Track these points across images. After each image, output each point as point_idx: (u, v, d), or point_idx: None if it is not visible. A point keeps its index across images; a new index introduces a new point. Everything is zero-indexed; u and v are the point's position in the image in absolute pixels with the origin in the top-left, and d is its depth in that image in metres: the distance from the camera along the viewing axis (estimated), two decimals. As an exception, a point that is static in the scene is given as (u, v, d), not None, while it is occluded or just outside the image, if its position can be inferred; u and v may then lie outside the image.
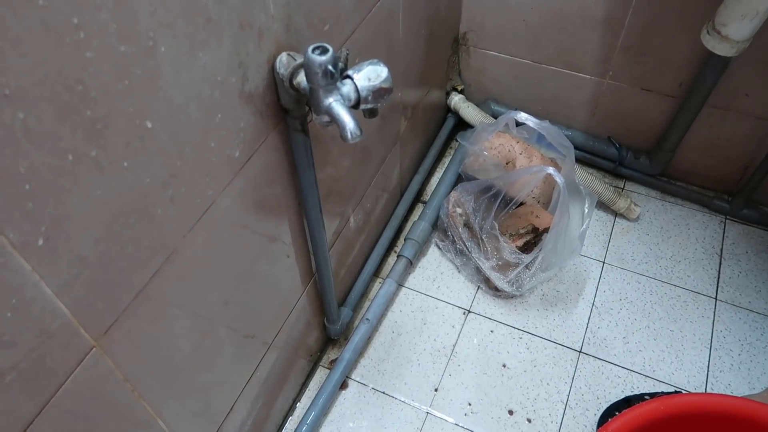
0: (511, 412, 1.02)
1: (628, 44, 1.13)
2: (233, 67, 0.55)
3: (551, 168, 1.02)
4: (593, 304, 1.15)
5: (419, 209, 1.29)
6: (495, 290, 1.15)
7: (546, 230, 1.08)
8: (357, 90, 0.57)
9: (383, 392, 1.04)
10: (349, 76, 0.57)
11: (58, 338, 0.45)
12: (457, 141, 1.37)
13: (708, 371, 1.06)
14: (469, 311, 1.14)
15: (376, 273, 1.19)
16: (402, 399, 1.03)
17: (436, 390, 1.04)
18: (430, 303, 1.15)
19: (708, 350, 1.08)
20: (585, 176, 1.25)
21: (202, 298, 0.64)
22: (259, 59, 0.58)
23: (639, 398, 0.97)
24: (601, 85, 1.23)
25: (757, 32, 0.93)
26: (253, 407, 0.86)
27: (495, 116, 1.35)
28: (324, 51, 0.53)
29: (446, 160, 1.39)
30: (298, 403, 1.03)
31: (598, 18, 1.12)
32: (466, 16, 1.25)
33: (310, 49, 0.53)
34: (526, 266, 1.08)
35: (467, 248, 1.11)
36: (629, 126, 1.27)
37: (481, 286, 1.16)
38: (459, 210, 1.14)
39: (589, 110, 1.28)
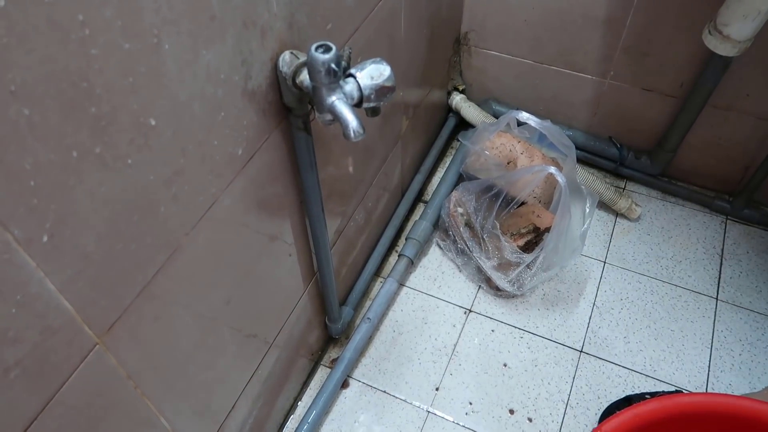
0: (512, 412, 1.02)
1: (630, 44, 1.13)
2: (236, 65, 0.55)
3: (553, 167, 1.02)
4: (594, 303, 1.15)
5: (420, 209, 1.29)
6: (496, 290, 1.15)
7: (547, 230, 1.09)
8: (360, 88, 0.57)
9: (384, 391, 1.04)
10: (351, 75, 0.57)
11: (61, 335, 0.45)
12: (458, 140, 1.37)
13: (709, 371, 1.06)
14: (470, 311, 1.14)
15: (378, 272, 1.19)
16: (403, 398, 1.03)
17: (437, 389, 1.04)
18: (431, 302, 1.15)
19: (709, 350, 1.08)
20: (586, 176, 1.25)
21: (204, 296, 0.64)
22: (262, 57, 0.58)
23: (640, 397, 0.97)
24: (603, 85, 1.23)
25: (759, 32, 0.93)
26: (255, 406, 0.86)
27: (496, 116, 1.35)
28: (327, 49, 0.53)
29: (447, 160, 1.39)
30: (300, 402, 1.03)
31: (599, 18, 1.12)
32: (467, 15, 1.25)
33: (313, 48, 0.53)
34: (528, 266, 1.08)
35: (468, 248, 1.11)
36: (630, 126, 1.27)
37: (482, 285, 1.16)
38: (460, 209, 1.14)
39: (591, 110, 1.28)
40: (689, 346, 1.09)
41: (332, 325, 1.03)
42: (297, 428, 0.96)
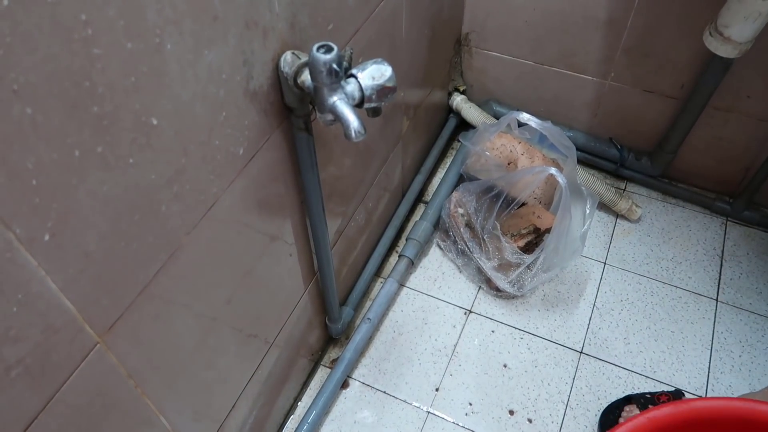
0: (511, 412, 1.02)
1: (630, 45, 1.14)
2: (238, 65, 0.55)
3: (553, 168, 1.02)
4: (594, 304, 1.15)
5: (421, 209, 1.29)
6: (496, 290, 1.15)
7: (547, 230, 1.09)
8: (361, 89, 0.57)
9: (384, 392, 1.04)
10: (353, 75, 0.57)
11: (63, 334, 0.45)
12: (458, 141, 1.37)
13: (709, 372, 1.06)
14: (471, 311, 1.14)
15: (378, 273, 1.19)
16: (403, 398, 1.03)
17: (437, 390, 1.04)
18: (432, 303, 1.15)
19: (709, 351, 1.08)
20: (586, 177, 1.25)
21: (205, 296, 0.64)
22: (263, 57, 0.58)
23: (640, 397, 0.97)
24: (603, 86, 1.23)
25: (759, 34, 0.93)
26: (255, 405, 0.86)
27: (497, 117, 1.36)
28: (329, 50, 0.53)
29: (448, 161, 1.39)
30: (299, 402, 1.03)
31: (600, 19, 1.12)
32: (468, 16, 1.25)
33: (314, 48, 0.53)
34: (528, 267, 1.08)
35: (469, 248, 1.11)
36: (631, 127, 1.27)
37: (483, 286, 1.16)
38: (461, 210, 1.14)
39: (591, 111, 1.29)
40: (689, 348, 1.09)
41: (332, 326, 1.03)
42: (297, 428, 0.96)
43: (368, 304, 1.13)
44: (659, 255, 1.22)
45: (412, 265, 1.18)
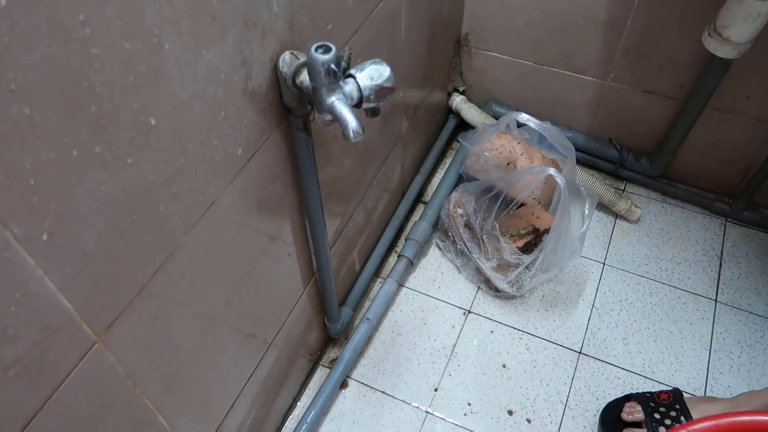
0: (510, 413, 1.02)
1: (630, 46, 1.14)
2: (237, 65, 0.55)
3: (552, 169, 1.02)
4: (593, 305, 1.15)
5: (420, 209, 1.30)
6: (495, 291, 1.15)
7: (546, 231, 1.09)
8: (359, 89, 0.57)
9: (383, 392, 1.04)
10: (351, 75, 0.57)
11: (61, 333, 0.45)
12: (458, 142, 1.37)
13: (708, 373, 1.06)
14: (470, 311, 1.14)
15: (377, 273, 1.19)
16: (402, 399, 1.03)
17: (435, 390, 1.04)
18: (431, 303, 1.15)
19: (708, 352, 1.08)
20: (586, 178, 1.25)
21: (203, 296, 0.64)
22: (262, 57, 0.58)
23: (641, 396, 0.97)
24: (603, 87, 1.23)
25: (758, 35, 0.93)
26: (254, 405, 0.86)
27: (496, 117, 1.36)
28: (327, 50, 0.53)
29: (447, 161, 1.39)
30: (298, 402, 1.03)
31: (600, 20, 1.12)
32: (468, 17, 1.25)
33: (313, 48, 0.53)
34: (527, 267, 1.08)
35: (468, 249, 1.11)
36: (630, 128, 1.27)
37: (482, 286, 1.16)
38: (460, 210, 1.14)
39: (591, 112, 1.29)
40: (688, 348, 1.09)
41: (331, 326, 1.03)
42: (296, 428, 0.96)
43: (367, 304, 1.13)
44: (658, 255, 1.22)
45: (412, 265, 1.18)
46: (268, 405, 0.92)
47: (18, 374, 0.42)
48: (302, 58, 0.60)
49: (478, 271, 1.15)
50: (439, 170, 1.38)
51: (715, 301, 1.15)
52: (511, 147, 1.18)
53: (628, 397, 0.99)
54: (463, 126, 1.40)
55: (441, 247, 1.22)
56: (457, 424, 1.01)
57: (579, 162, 1.29)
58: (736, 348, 1.09)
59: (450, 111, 1.40)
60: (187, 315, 0.62)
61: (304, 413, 0.97)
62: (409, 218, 1.28)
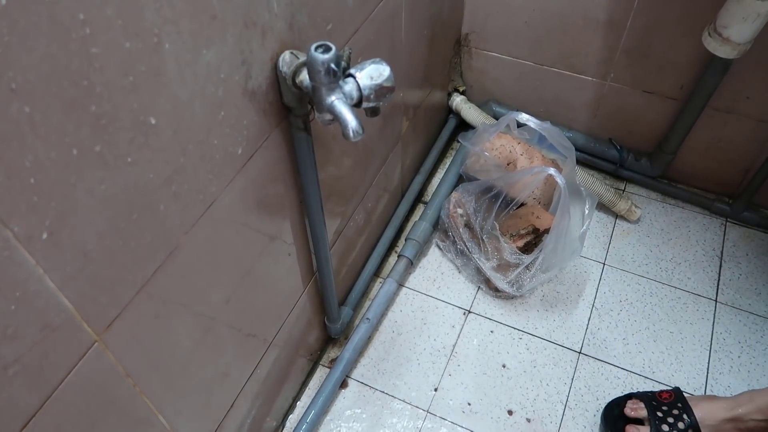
0: (510, 413, 1.02)
1: (630, 46, 1.14)
2: (237, 64, 0.55)
3: (552, 169, 1.02)
4: (593, 305, 1.15)
5: (420, 209, 1.30)
6: (495, 291, 1.15)
7: (546, 231, 1.09)
8: (359, 88, 0.57)
9: (383, 391, 1.04)
10: (351, 75, 0.57)
11: (61, 332, 0.45)
12: (458, 142, 1.37)
13: (708, 373, 1.06)
14: (470, 311, 1.14)
15: (377, 273, 1.19)
16: (402, 398, 1.03)
17: (435, 390, 1.04)
18: (431, 303, 1.16)
19: (708, 352, 1.08)
20: (586, 178, 1.25)
21: (203, 295, 0.64)
22: (262, 57, 0.58)
23: (642, 395, 0.97)
24: (603, 87, 1.23)
25: (759, 35, 0.93)
26: (254, 405, 0.86)
27: (496, 117, 1.36)
28: (327, 49, 0.53)
29: (447, 161, 1.39)
30: (298, 402, 1.03)
31: (600, 20, 1.13)
32: (468, 17, 1.25)
33: (313, 48, 0.53)
34: (527, 267, 1.08)
35: (468, 249, 1.11)
36: (630, 128, 1.27)
37: (482, 286, 1.17)
38: (460, 210, 1.14)
39: (591, 112, 1.29)
40: (688, 348, 1.09)
41: (331, 325, 1.03)
42: (296, 428, 0.96)
43: (367, 304, 1.13)
44: (658, 255, 1.22)
45: (412, 265, 1.18)
46: (267, 404, 0.92)
47: (18, 373, 0.42)
48: (302, 58, 0.60)
49: (478, 271, 1.15)
50: (439, 170, 1.38)
51: (716, 301, 1.15)
52: (511, 147, 1.18)
53: (630, 396, 0.99)
54: (463, 126, 1.40)
55: (441, 247, 1.22)
56: (457, 423, 1.01)
57: (579, 162, 1.29)
58: (736, 348, 1.09)
59: (450, 111, 1.40)
60: (187, 314, 0.62)
61: (304, 413, 0.97)
62: (409, 218, 1.28)
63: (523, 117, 1.08)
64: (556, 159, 1.21)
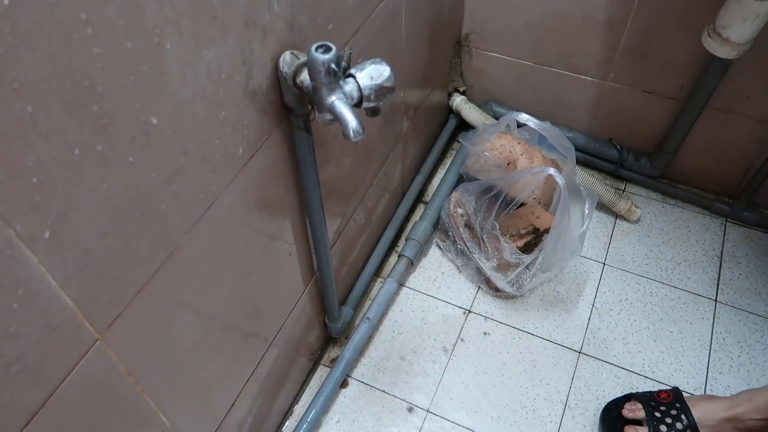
0: (510, 412, 1.02)
1: (630, 46, 1.14)
2: (237, 64, 0.55)
3: (552, 168, 1.02)
4: (593, 305, 1.15)
5: (420, 209, 1.30)
6: (495, 290, 1.15)
7: (547, 231, 1.09)
8: (360, 88, 0.57)
9: (383, 391, 1.04)
10: (351, 75, 0.57)
11: (62, 331, 0.45)
12: (458, 142, 1.37)
13: (707, 372, 1.06)
14: (470, 311, 1.14)
15: (377, 272, 1.19)
16: (402, 398, 1.03)
17: (436, 389, 1.04)
18: (431, 303, 1.16)
19: (708, 352, 1.09)
20: (586, 178, 1.25)
21: (204, 295, 0.64)
22: (263, 57, 0.59)
23: (641, 395, 0.97)
24: (603, 87, 1.23)
25: (758, 35, 0.94)
26: (254, 404, 0.86)
27: (496, 117, 1.36)
28: (327, 50, 0.53)
29: (448, 161, 1.39)
30: (299, 401, 1.03)
31: (600, 20, 1.13)
32: (468, 17, 1.26)
33: (313, 48, 0.53)
34: (527, 267, 1.08)
35: (468, 248, 1.11)
36: (630, 128, 1.27)
37: (482, 286, 1.17)
38: (460, 210, 1.14)
39: (591, 112, 1.29)
40: (688, 348, 1.09)
41: (332, 325, 1.03)
42: (296, 427, 0.96)
43: (368, 303, 1.13)
44: (658, 255, 1.22)
45: (412, 265, 1.18)
46: (268, 404, 0.92)
47: (20, 371, 0.43)
48: (302, 58, 0.60)
49: (479, 270, 1.15)
50: (439, 170, 1.38)
51: (715, 301, 1.15)
52: (512, 147, 1.19)
53: (628, 397, 0.99)
54: (464, 126, 1.40)
55: (441, 246, 1.22)
56: (458, 423, 1.01)
57: (579, 162, 1.30)
58: (735, 348, 1.09)
59: (450, 111, 1.40)
60: (188, 313, 0.62)
61: (305, 412, 0.97)
62: (410, 218, 1.28)
63: (523, 117, 1.08)
64: (556, 159, 1.21)
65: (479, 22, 1.25)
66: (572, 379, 1.05)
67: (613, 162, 1.31)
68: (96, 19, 0.39)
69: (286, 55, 0.61)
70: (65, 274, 0.44)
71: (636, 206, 1.26)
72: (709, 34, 0.97)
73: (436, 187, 1.29)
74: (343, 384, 1.04)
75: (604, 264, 1.21)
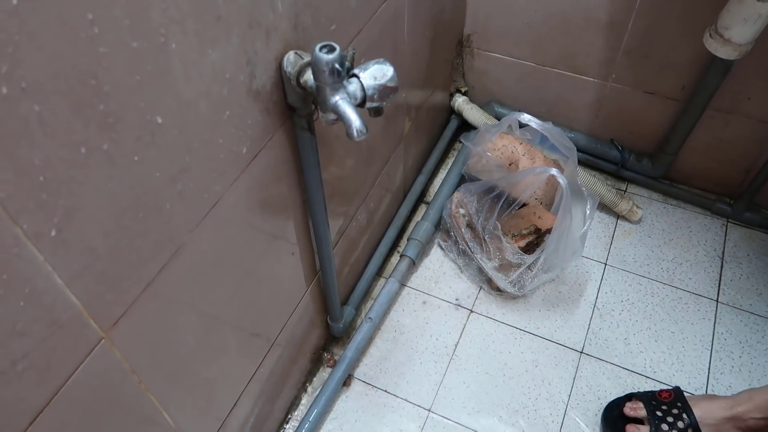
0: (512, 412, 1.02)
1: (631, 47, 1.14)
2: (241, 64, 0.56)
3: (554, 169, 1.03)
4: (595, 305, 1.15)
5: (422, 209, 1.30)
6: (497, 291, 1.15)
7: (548, 231, 1.09)
8: (363, 88, 0.57)
9: (385, 391, 1.04)
10: (355, 75, 0.58)
11: (68, 329, 0.45)
12: (460, 142, 1.37)
13: (709, 373, 1.06)
14: (471, 311, 1.15)
15: (379, 272, 1.19)
16: (404, 397, 1.04)
17: (437, 389, 1.05)
18: (433, 302, 1.16)
19: (709, 352, 1.09)
20: (587, 178, 1.25)
21: (207, 294, 0.64)
22: (266, 57, 0.59)
23: (642, 395, 0.97)
24: (604, 88, 1.23)
25: (760, 36, 0.94)
26: (257, 404, 0.86)
27: (498, 118, 1.36)
28: (331, 50, 0.54)
29: (449, 161, 1.39)
30: (301, 401, 1.03)
31: (601, 21, 1.13)
32: (470, 18, 1.26)
33: (317, 48, 0.54)
34: (528, 267, 1.08)
35: (470, 249, 1.12)
36: (632, 128, 1.27)
37: (484, 286, 1.17)
38: (462, 210, 1.14)
39: (592, 112, 1.29)
40: (689, 348, 1.09)
41: (334, 325, 1.03)
42: (298, 427, 0.96)
43: (369, 303, 1.13)
44: (660, 256, 1.22)
45: (414, 265, 1.18)
46: (270, 403, 0.92)
47: (26, 369, 0.43)
48: (306, 58, 0.60)
49: (480, 270, 1.16)
50: (441, 170, 1.38)
51: (717, 301, 1.15)
52: (513, 147, 1.19)
53: (630, 396, 0.99)
54: (465, 126, 1.40)
55: (443, 247, 1.23)
56: (459, 423, 1.01)
57: (580, 163, 1.30)
58: (737, 348, 1.09)
59: (452, 111, 1.40)
60: (192, 312, 0.62)
61: (307, 412, 0.97)
62: (412, 218, 1.28)
63: (525, 117, 1.08)
64: (557, 159, 1.22)
65: (481, 23, 1.26)
66: (574, 379, 1.06)
67: (614, 162, 1.31)
68: (102, 19, 0.39)
69: (290, 55, 0.61)
70: (71, 272, 0.44)
71: (637, 207, 1.26)
72: (710, 34, 0.97)
73: (437, 187, 1.29)
74: (345, 383, 1.05)
75: (606, 264, 1.21)
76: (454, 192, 1.18)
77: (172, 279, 0.56)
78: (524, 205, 1.14)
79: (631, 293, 1.17)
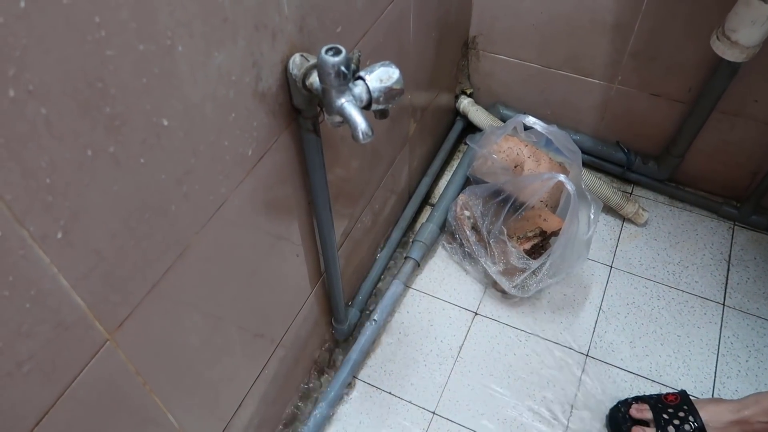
0: (517, 414, 1.02)
1: (638, 49, 1.14)
2: (247, 66, 0.56)
3: (563, 176, 1.02)
4: (600, 308, 1.15)
5: (427, 211, 1.30)
6: (502, 293, 1.15)
7: (554, 233, 1.09)
8: (369, 91, 0.57)
9: (389, 392, 1.04)
10: (361, 77, 0.58)
11: (73, 330, 0.46)
12: (465, 144, 1.38)
13: (715, 377, 1.06)
14: (476, 313, 1.14)
15: (384, 274, 1.19)
16: (408, 399, 1.03)
17: (442, 391, 1.04)
18: (437, 305, 1.16)
19: (715, 356, 1.08)
20: (593, 181, 1.25)
21: (212, 295, 0.64)
22: (272, 59, 0.59)
23: (648, 398, 0.97)
24: (610, 90, 1.23)
25: (767, 38, 0.93)
26: (261, 405, 0.86)
27: (504, 120, 1.36)
28: (337, 52, 0.54)
29: (455, 163, 1.39)
30: (305, 402, 1.03)
31: (607, 23, 1.13)
32: (475, 20, 1.26)
33: (323, 50, 0.54)
34: (533, 272, 1.08)
35: (474, 251, 1.11)
36: (638, 131, 1.27)
37: (488, 288, 1.17)
38: (467, 213, 1.14)
39: (598, 115, 1.29)
40: (695, 352, 1.09)
41: (338, 326, 1.03)
42: (302, 428, 0.96)
43: (374, 305, 1.13)
44: (666, 259, 1.22)
45: (418, 266, 1.18)
46: (275, 405, 0.92)
47: (31, 370, 0.43)
48: (312, 60, 0.60)
49: (485, 272, 1.15)
50: (446, 172, 1.38)
51: (723, 305, 1.15)
52: (519, 150, 1.19)
53: (636, 399, 0.99)
54: (471, 128, 1.40)
55: (448, 249, 1.23)
56: (464, 425, 1.01)
57: (586, 165, 1.29)
58: (743, 352, 1.08)
59: (457, 113, 1.40)
60: (197, 314, 0.62)
61: (311, 414, 0.97)
62: (416, 220, 1.28)
63: (530, 120, 1.08)
64: (563, 162, 1.21)
65: (486, 25, 1.25)
66: (579, 381, 1.05)
67: (620, 165, 1.30)
68: (109, 22, 0.39)
69: (296, 58, 0.61)
70: (77, 274, 0.44)
71: (643, 209, 1.26)
72: (717, 37, 0.97)
73: (442, 189, 1.29)
74: (350, 385, 1.04)
75: (612, 267, 1.21)
76: (459, 194, 1.18)
77: (177, 281, 0.56)
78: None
79: (636, 296, 1.16)
